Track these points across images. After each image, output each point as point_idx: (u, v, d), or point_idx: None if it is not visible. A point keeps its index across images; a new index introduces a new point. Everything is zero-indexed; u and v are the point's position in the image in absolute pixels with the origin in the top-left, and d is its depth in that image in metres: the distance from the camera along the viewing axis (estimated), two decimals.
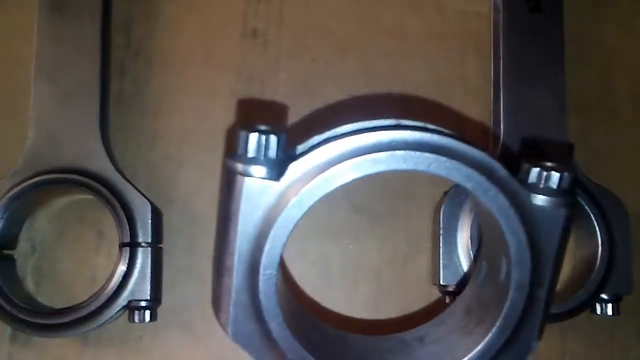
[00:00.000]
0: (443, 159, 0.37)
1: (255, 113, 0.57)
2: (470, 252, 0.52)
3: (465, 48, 0.59)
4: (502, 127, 0.54)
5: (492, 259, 0.43)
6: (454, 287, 0.52)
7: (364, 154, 0.37)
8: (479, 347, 0.41)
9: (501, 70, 0.55)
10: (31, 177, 0.49)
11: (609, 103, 0.59)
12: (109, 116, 0.53)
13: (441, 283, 0.52)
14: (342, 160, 0.37)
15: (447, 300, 0.52)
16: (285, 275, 0.55)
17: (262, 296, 0.38)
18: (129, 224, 0.49)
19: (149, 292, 0.49)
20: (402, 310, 0.55)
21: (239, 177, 0.37)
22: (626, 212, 0.53)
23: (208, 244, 0.54)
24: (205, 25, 0.58)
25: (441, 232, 0.53)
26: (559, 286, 0.54)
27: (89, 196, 0.51)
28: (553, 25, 0.56)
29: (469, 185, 0.38)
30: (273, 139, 0.36)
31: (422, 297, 0.55)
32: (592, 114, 0.59)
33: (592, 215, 0.52)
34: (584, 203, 0.52)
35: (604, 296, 0.52)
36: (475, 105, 0.58)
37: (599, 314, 0.52)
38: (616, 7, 0.60)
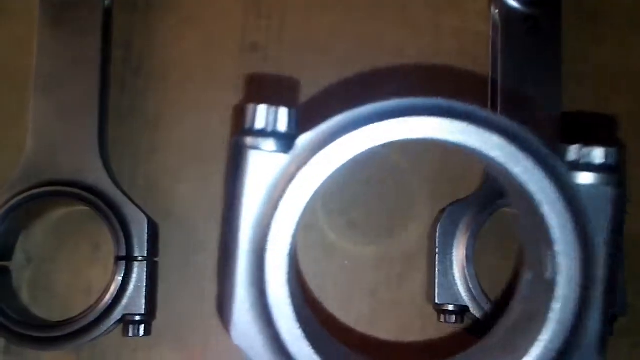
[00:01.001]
0: (470, 126, 0.33)
1: (264, 90, 0.55)
2: (466, 271, 0.52)
3: (463, 67, 0.59)
4: None
5: (536, 263, 0.37)
6: (448, 305, 0.52)
7: (378, 121, 0.33)
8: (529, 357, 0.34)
9: (499, 90, 0.56)
10: (28, 189, 0.49)
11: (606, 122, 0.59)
12: (108, 130, 0.54)
13: (436, 302, 0.52)
14: (353, 129, 0.33)
15: (442, 319, 0.52)
16: (300, 280, 0.52)
17: (269, 289, 0.33)
18: (125, 238, 0.49)
19: (144, 307, 0.49)
20: (397, 328, 0.55)
21: (244, 150, 0.34)
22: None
23: (204, 258, 0.54)
24: (205, 39, 0.58)
25: (437, 250, 0.53)
26: None
27: (85, 208, 0.51)
28: (551, 45, 0.57)
29: (499, 156, 0.33)
30: (283, 111, 0.34)
31: (416, 315, 0.55)
32: (589, 133, 0.59)
33: None
34: None
35: None
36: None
37: None
38: (614, 26, 0.61)
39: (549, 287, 0.35)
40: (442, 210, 0.54)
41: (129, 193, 0.52)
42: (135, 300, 0.49)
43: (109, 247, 0.52)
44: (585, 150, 0.35)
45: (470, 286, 0.52)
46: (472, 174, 0.56)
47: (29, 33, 0.53)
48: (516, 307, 0.40)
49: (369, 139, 0.33)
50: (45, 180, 0.50)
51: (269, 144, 0.34)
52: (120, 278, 0.49)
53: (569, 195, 0.34)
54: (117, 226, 0.49)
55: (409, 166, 0.57)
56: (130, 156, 0.56)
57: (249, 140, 0.34)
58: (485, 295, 0.52)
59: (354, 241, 0.56)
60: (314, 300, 0.55)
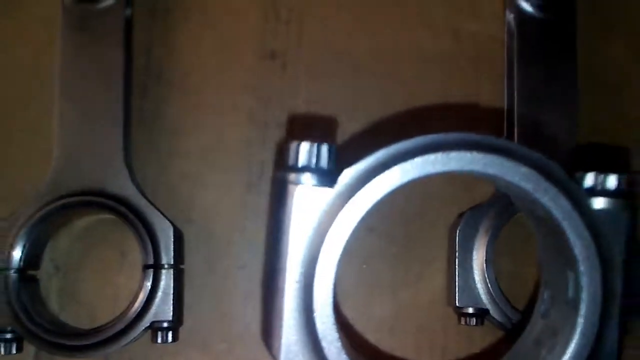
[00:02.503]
0: (499, 158, 0.36)
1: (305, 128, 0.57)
2: (486, 274, 0.53)
3: (480, 70, 0.60)
4: None
5: (555, 281, 0.41)
6: (469, 308, 0.53)
7: (413, 157, 0.36)
8: None
9: (515, 94, 0.56)
10: (56, 200, 0.50)
11: (621, 126, 0.60)
12: (132, 138, 0.54)
13: (457, 305, 0.53)
14: (393, 164, 0.36)
15: (462, 321, 0.53)
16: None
17: (317, 316, 0.35)
18: (152, 246, 0.50)
19: (171, 314, 0.50)
20: (417, 331, 0.56)
21: (290, 186, 0.36)
22: None
23: (226, 264, 0.55)
24: (224, 46, 0.59)
25: (457, 253, 0.54)
26: None
27: (111, 216, 0.52)
28: (566, 49, 0.57)
29: (528, 186, 0.36)
30: (324, 148, 0.36)
31: (436, 318, 0.56)
32: (604, 134, 0.59)
33: None
34: None
35: None
36: (488, 129, 0.59)
37: None
38: (625, 27, 0.61)
39: (572, 304, 0.38)
40: (461, 215, 0.55)
41: (151, 199, 0.52)
42: (163, 307, 0.50)
43: (134, 255, 0.53)
44: (601, 177, 0.38)
45: (491, 289, 0.53)
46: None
47: (53, 36, 0.53)
48: (538, 322, 0.43)
49: (407, 173, 0.36)
50: (73, 190, 0.50)
51: (312, 179, 0.36)
52: (149, 286, 0.50)
53: (589, 219, 0.37)
54: (145, 235, 0.50)
55: None
56: (151, 162, 0.56)
57: (292, 176, 0.36)
58: (505, 298, 0.53)
59: (372, 245, 0.57)
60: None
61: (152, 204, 0.52)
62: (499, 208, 0.54)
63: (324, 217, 0.36)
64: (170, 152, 0.57)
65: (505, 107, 0.57)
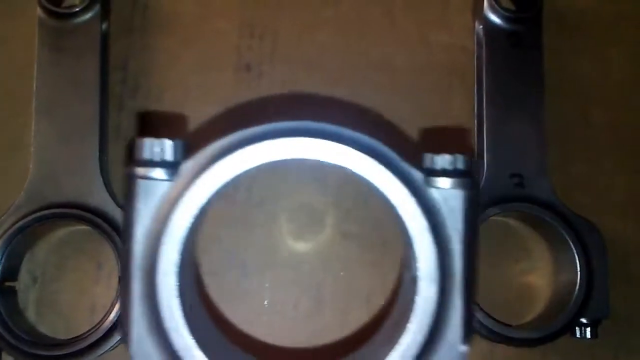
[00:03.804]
0: (331, 143, 0.37)
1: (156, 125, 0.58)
2: None
3: (450, 81, 0.61)
4: (485, 158, 0.57)
5: (407, 262, 0.41)
6: None
7: (245, 147, 0.37)
8: (394, 353, 0.38)
9: (484, 103, 0.58)
10: (33, 212, 0.51)
11: (587, 133, 0.61)
12: (108, 151, 0.55)
13: None
14: (227, 155, 0.37)
15: None
16: (204, 296, 0.54)
17: (162, 307, 0.36)
18: None
19: None
20: None
21: (134, 180, 0.37)
22: (602, 240, 0.55)
23: (201, 275, 0.56)
24: (200, 59, 0.60)
25: None
26: (540, 311, 0.58)
27: (87, 227, 0.52)
28: (534, 60, 0.59)
29: (361, 170, 0.37)
30: (168, 142, 0.37)
31: None
32: (570, 143, 0.61)
33: (570, 243, 0.55)
34: (563, 231, 0.55)
35: (583, 320, 0.54)
36: (459, 138, 0.60)
37: (578, 337, 0.54)
38: (592, 39, 0.63)
39: (415, 283, 0.38)
40: None
41: None
42: None
43: (111, 266, 0.54)
44: (438, 157, 0.39)
45: None
46: None
47: (30, 59, 0.54)
48: (398, 304, 0.44)
49: (243, 161, 0.37)
50: (49, 203, 0.51)
51: (156, 173, 0.37)
52: None
53: (425, 199, 0.38)
54: (120, 245, 0.51)
55: None
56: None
57: (137, 170, 0.37)
58: (475, 303, 0.54)
59: (348, 252, 0.58)
60: (309, 311, 0.57)
61: None
62: None
63: (166, 209, 0.37)
64: None
65: (475, 115, 0.59)
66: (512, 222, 0.59)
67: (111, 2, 0.58)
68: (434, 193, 0.38)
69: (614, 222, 0.59)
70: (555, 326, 0.54)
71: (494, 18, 0.59)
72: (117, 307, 0.51)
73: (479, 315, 0.53)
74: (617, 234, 0.58)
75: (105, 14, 0.56)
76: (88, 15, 0.55)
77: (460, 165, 0.38)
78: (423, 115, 0.60)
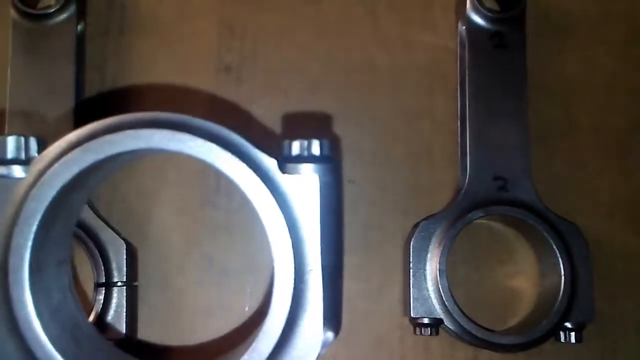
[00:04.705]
0: (176, 133, 0.36)
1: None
2: (439, 284, 0.53)
3: (433, 82, 0.61)
4: (468, 159, 0.56)
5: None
6: (423, 319, 0.53)
7: (92, 140, 0.37)
8: (253, 345, 0.37)
9: (467, 104, 0.57)
10: None
11: (571, 133, 0.61)
12: None
13: (412, 315, 0.54)
14: (75, 148, 0.37)
15: (417, 331, 0.54)
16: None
17: (14, 304, 0.35)
18: (104, 264, 0.50)
19: (124, 331, 0.50)
20: (375, 342, 0.56)
21: None
22: (586, 243, 0.54)
23: (182, 280, 0.55)
24: (179, 61, 0.59)
25: (411, 265, 0.54)
26: (525, 315, 0.57)
27: None
28: (517, 61, 0.58)
29: (209, 158, 0.36)
30: (16, 139, 0.38)
31: (395, 328, 0.56)
32: (554, 144, 0.60)
33: (554, 246, 0.54)
34: (546, 234, 0.54)
35: (567, 325, 0.54)
36: (442, 138, 0.60)
37: (562, 342, 0.54)
38: (576, 40, 0.62)
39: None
40: (416, 225, 0.56)
41: (105, 217, 0.52)
42: (116, 324, 0.50)
43: (87, 272, 0.52)
44: (293, 143, 0.38)
45: (444, 299, 0.53)
46: (445, 189, 0.58)
47: (3, 62, 0.53)
48: None
49: (86, 154, 0.36)
50: None
51: (6, 170, 0.37)
52: (100, 304, 0.50)
53: (278, 186, 0.37)
54: (96, 253, 0.50)
55: (382, 182, 0.59)
56: (106, 181, 0.56)
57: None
58: (459, 307, 0.53)
59: None
60: None
61: (104, 221, 0.52)
62: (452, 218, 0.55)
63: (17, 207, 0.37)
64: (127, 168, 0.57)
65: (459, 116, 0.58)
66: (495, 225, 0.58)
67: (87, 2, 0.57)
68: (288, 180, 0.37)
69: (599, 224, 0.59)
70: (539, 331, 0.53)
71: (477, 19, 0.58)
72: (93, 315, 0.50)
73: (462, 321, 0.53)
74: (601, 236, 0.58)
75: (81, 15, 0.55)
76: (63, 16, 0.54)
77: (314, 150, 0.38)
78: (405, 116, 0.60)
